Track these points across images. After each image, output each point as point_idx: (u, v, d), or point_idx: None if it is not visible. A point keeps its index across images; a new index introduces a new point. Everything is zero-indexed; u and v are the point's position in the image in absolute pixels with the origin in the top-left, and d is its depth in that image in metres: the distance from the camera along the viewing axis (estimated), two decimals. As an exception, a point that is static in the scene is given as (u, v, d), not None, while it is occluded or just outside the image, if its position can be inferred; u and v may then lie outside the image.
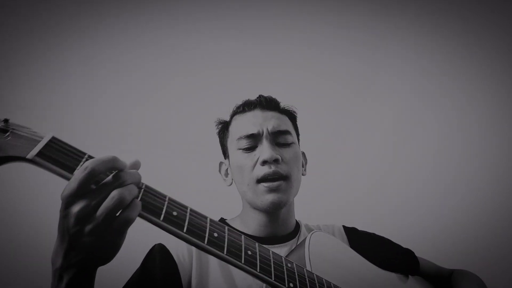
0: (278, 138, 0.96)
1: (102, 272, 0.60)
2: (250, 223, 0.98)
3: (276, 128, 0.96)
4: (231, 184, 1.02)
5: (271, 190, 0.90)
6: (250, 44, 2.21)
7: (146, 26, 2.07)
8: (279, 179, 0.91)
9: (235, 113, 1.05)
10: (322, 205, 2.66)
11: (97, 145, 2.73)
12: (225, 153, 1.06)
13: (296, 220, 1.06)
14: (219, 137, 1.10)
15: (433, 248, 1.14)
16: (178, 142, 2.57)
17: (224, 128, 1.07)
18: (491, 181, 1.67)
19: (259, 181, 0.91)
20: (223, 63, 2.25)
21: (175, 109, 2.41)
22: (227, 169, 1.04)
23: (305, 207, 1.12)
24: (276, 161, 0.91)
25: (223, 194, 1.05)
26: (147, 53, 2.19)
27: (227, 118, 1.08)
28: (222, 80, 2.19)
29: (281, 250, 0.94)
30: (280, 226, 0.97)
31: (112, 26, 2.05)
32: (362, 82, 2.48)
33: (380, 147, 2.48)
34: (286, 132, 0.98)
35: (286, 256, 0.84)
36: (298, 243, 0.93)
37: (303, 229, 1.04)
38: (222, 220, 1.05)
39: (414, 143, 2.19)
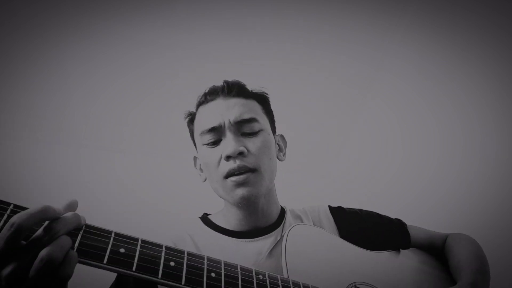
0: (243, 128, 0.88)
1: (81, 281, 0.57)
2: (231, 218, 0.93)
3: (239, 117, 0.88)
4: (205, 180, 0.96)
5: (239, 184, 0.84)
6: (251, 43, 2.21)
7: (145, 26, 2.07)
8: (246, 171, 0.84)
9: (198, 104, 0.98)
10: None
11: (96, 144, 2.73)
12: (196, 148, 1.00)
13: (281, 206, 1.00)
14: (188, 130, 1.03)
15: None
16: (179, 141, 2.56)
17: (190, 121, 1.01)
18: (495, 179, 1.67)
19: (226, 176, 0.85)
20: (224, 62, 2.25)
21: (175, 108, 2.41)
22: (200, 164, 0.97)
23: (306, 205, 1.10)
24: (241, 154, 0.84)
25: (209, 188, 0.99)
26: (146, 52, 2.19)
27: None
28: (223, 79, 2.19)
29: (266, 242, 0.89)
30: (261, 217, 0.92)
31: (111, 25, 2.04)
32: (363, 81, 2.48)
33: (381, 146, 2.48)
34: (252, 120, 0.89)
35: (270, 251, 0.82)
36: (282, 234, 0.88)
37: (288, 216, 0.98)
38: (205, 215, 1.01)
39: (417, 142, 2.19)
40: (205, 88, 1.02)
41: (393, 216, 1.10)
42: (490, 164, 1.71)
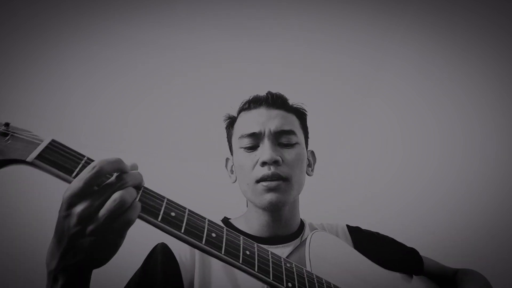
0: (280, 138, 0.94)
1: (103, 272, 0.60)
2: (253, 223, 0.97)
3: (279, 128, 0.93)
4: (235, 181, 1.01)
5: (270, 190, 0.89)
6: (251, 43, 2.21)
7: (145, 25, 2.06)
8: (278, 179, 0.89)
9: (241, 109, 1.03)
10: (326, 205, 2.66)
11: (96, 144, 2.73)
12: (231, 150, 1.05)
13: (300, 219, 1.04)
14: (226, 132, 1.08)
15: (438, 248, 1.14)
16: (179, 141, 2.57)
17: (230, 124, 1.06)
18: (496, 180, 1.67)
19: (258, 181, 0.90)
20: (224, 62, 2.25)
21: (177, 108, 2.41)
22: (232, 166, 1.03)
23: (309, 206, 1.11)
24: (276, 162, 0.89)
25: (227, 193, 1.03)
26: (146, 53, 2.19)
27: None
28: (223, 79, 2.19)
29: (284, 250, 0.92)
30: (283, 226, 0.96)
31: (111, 25, 2.04)
32: (364, 81, 2.48)
33: (383, 147, 2.48)
34: (290, 132, 0.95)
35: (287, 255, 0.84)
36: (301, 241, 0.92)
37: (306, 229, 1.03)
38: (226, 219, 1.04)
39: (417, 142, 2.19)
40: (212, 90, 1.06)
41: (393, 216, 1.11)
42: (490, 164, 1.71)
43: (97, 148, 2.55)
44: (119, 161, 0.54)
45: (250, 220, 0.98)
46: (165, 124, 2.53)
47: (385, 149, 2.44)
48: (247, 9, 2.06)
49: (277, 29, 2.15)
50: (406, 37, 2.20)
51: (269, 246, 0.93)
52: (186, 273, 0.83)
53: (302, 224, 1.03)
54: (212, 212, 1.05)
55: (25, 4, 1.90)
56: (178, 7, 2.01)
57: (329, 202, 2.75)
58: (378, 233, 1.10)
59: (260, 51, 2.24)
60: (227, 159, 1.07)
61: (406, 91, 2.27)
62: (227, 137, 1.07)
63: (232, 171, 1.03)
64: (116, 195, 0.51)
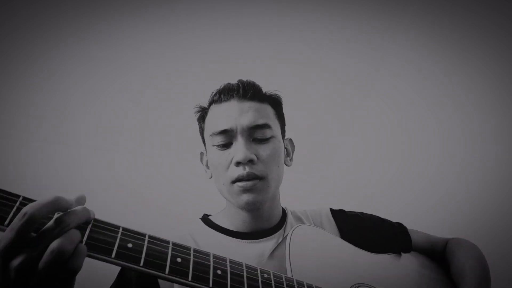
0: (254, 134, 0.88)
1: (85, 279, 0.57)
2: (233, 219, 0.93)
3: (252, 123, 0.87)
4: (211, 177, 0.96)
5: (246, 190, 0.85)
6: (251, 43, 2.21)
7: (145, 26, 2.06)
8: (254, 178, 0.85)
9: (211, 101, 0.97)
10: (325, 205, 2.65)
11: (97, 145, 2.73)
12: (204, 145, 0.99)
13: (282, 208, 1.01)
14: (198, 126, 1.01)
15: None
16: (179, 141, 2.57)
17: (201, 118, 0.99)
18: (496, 179, 1.67)
19: (234, 181, 0.86)
20: (223, 61, 2.25)
21: (175, 108, 2.41)
22: (207, 161, 0.97)
23: (308, 206, 1.10)
24: (251, 161, 0.85)
25: (209, 188, 0.98)
26: (146, 52, 2.19)
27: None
28: (224, 79, 2.19)
29: (267, 243, 0.90)
30: (265, 221, 0.93)
31: (110, 26, 2.04)
32: (363, 80, 2.48)
33: (383, 146, 2.48)
34: (264, 126, 0.89)
35: (272, 252, 0.82)
36: (284, 235, 0.89)
37: (289, 218, 0.99)
38: (206, 216, 1.01)
39: (417, 142, 2.19)
40: (211, 90, 1.01)
41: (393, 216, 1.10)
42: (490, 164, 1.71)
43: (97, 148, 2.55)
44: (55, 201, 0.47)
45: (230, 216, 0.94)
46: (164, 124, 2.53)
47: (385, 148, 2.44)
48: (247, 8, 2.06)
49: (277, 28, 2.15)
50: (406, 37, 2.20)
51: (252, 241, 0.90)
52: (165, 285, 0.79)
53: (284, 213, 0.99)
54: (213, 211, 1.05)
55: (25, 4, 1.90)
56: (178, 7, 2.01)
57: (328, 202, 2.75)
58: (362, 213, 1.06)
59: (259, 51, 2.24)
60: (201, 154, 1.01)
61: (406, 90, 2.27)
62: (199, 131, 1.01)
63: (207, 166, 0.97)
64: (53, 245, 0.45)
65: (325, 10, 2.08)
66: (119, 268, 0.81)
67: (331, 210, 1.06)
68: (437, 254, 1.02)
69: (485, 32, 1.75)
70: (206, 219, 0.99)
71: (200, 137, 1.02)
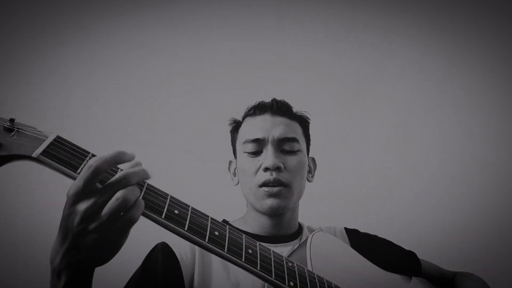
0: (283, 145, 0.96)
1: (104, 271, 0.60)
2: (253, 224, 0.99)
3: (283, 135, 0.97)
4: (237, 184, 1.03)
5: (271, 195, 0.91)
6: (251, 44, 2.21)
7: (147, 25, 2.06)
8: (280, 185, 0.92)
9: (246, 115, 1.06)
10: (325, 206, 2.65)
11: (97, 145, 2.72)
12: (234, 153, 1.08)
13: (298, 222, 1.07)
14: (231, 136, 1.10)
15: (436, 250, 1.14)
16: (180, 142, 2.57)
17: (235, 128, 1.08)
18: (495, 181, 1.67)
19: (260, 186, 0.93)
20: (224, 62, 2.25)
21: (177, 109, 2.41)
22: (235, 169, 1.05)
23: (308, 207, 1.11)
24: (278, 168, 0.92)
25: (226, 195, 1.05)
26: (147, 52, 2.19)
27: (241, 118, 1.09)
28: (224, 80, 2.19)
29: (283, 249, 0.94)
30: (283, 229, 0.98)
31: (113, 25, 2.05)
32: (363, 81, 2.48)
33: (381, 148, 2.48)
34: (293, 140, 0.98)
35: (287, 256, 0.84)
36: (300, 243, 0.93)
37: (305, 230, 1.05)
38: (225, 221, 1.05)
39: (416, 144, 2.19)
40: (214, 91, 1.08)
41: (393, 216, 1.12)
42: (489, 164, 1.72)
43: (99, 147, 2.55)
44: (118, 155, 0.54)
45: (249, 222, 1.00)
46: (166, 124, 2.53)
47: (385, 150, 2.44)
48: (247, 10, 2.06)
49: (277, 30, 2.15)
50: (406, 37, 2.20)
51: (269, 244, 0.93)
52: (187, 271, 0.84)
53: (300, 227, 1.06)
54: (212, 213, 1.06)
55: (25, 4, 1.90)
56: (179, 7, 2.01)
57: (328, 204, 2.75)
58: (376, 236, 1.12)
59: (260, 52, 2.24)
60: (230, 162, 1.09)
61: (406, 91, 2.28)
62: (231, 141, 1.10)
63: (234, 174, 1.05)
64: (118, 194, 0.51)
65: (325, 10, 2.08)
66: (124, 265, 0.83)
67: (346, 228, 1.11)
68: (445, 284, 1.06)
69: (485, 32, 1.75)
70: (226, 223, 1.02)
71: (230, 146, 1.11)
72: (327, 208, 2.60)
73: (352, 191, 2.72)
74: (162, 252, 0.86)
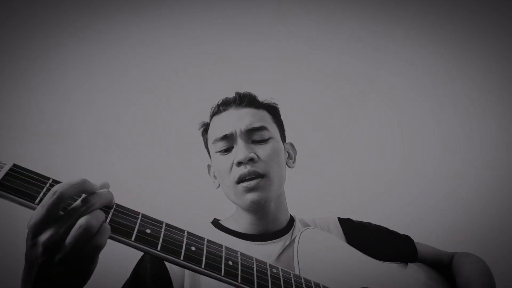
0: (253, 136, 0.93)
1: (93, 283, 0.58)
2: (242, 222, 0.97)
3: (249, 125, 0.93)
4: (219, 187, 1.01)
5: (250, 190, 0.88)
6: (250, 43, 2.21)
7: (143, 26, 2.06)
8: (257, 177, 0.89)
9: (212, 114, 1.04)
10: (325, 205, 2.66)
11: (96, 145, 2.73)
12: (210, 156, 1.05)
13: (290, 215, 1.04)
14: (203, 139, 1.08)
15: (437, 246, 1.13)
16: (179, 141, 2.57)
17: (204, 131, 1.06)
18: (496, 180, 1.67)
19: (238, 182, 0.90)
20: (222, 61, 2.25)
21: (177, 109, 2.41)
22: (214, 172, 1.03)
23: (308, 206, 1.11)
24: (251, 160, 0.89)
25: (220, 194, 1.03)
26: (147, 52, 2.19)
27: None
28: (221, 80, 2.19)
29: (275, 246, 0.92)
30: (271, 222, 0.96)
31: (111, 26, 2.04)
32: (363, 80, 2.48)
33: (382, 146, 2.48)
34: (262, 128, 0.94)
35: (279, 255, 0.84)
36: (292, 238, 0.92)
37: (297, 224, 1.02)
38: (216, 221, 1.04)
39: (417, 142, 2.19)
40: (211, 92, 1.07)
41: (393, 216, 1.11)
42: (490, 163, 1.72)
43: (97, 147, 2.55)
44: (83, 183, 0.51)
45: (239, 220, 0.98)
46: (163, 124, 2.53)
47: (385, 148, 2.44)
48: (246, 9, 2.06)
49: (276, 28, 2.15)
50: (405, 36, 2.20)
51: (260, 242, 0.93)
52: (176, 279, 0.82)
53: (292, 220, 1.03)
54: (206, 213, 1.06)
55: (25, 4, 1.89)
56: (178, 7, 2.01)
57: (328, 202, 2.75)
58: (370, 223, 1.09)
59: (258, 51, 2.24)
60: (208, 166, 1.07)
61: (405, 90, 2.28)
62: (204, 144, 1.07)
63: (215, 177, 1.03)
64: (81, 221, 0.49)
65: (325, 10, 2.08)
66: (123, 270, 0.83)
67: (339, 218, 1.08)
68: (443, 266, 1.04)
69: (485, 32, 1.75)
70: (216, 223, 1.03)
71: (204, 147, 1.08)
72: (327, 206, 2.61)
73: (351, 189, 2.72)
74: (150, 261, 0.84)
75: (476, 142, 1.80)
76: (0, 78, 2.15)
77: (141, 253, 0.86)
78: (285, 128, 1.09)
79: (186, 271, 0.83)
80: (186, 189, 2.46)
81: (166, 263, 0.83)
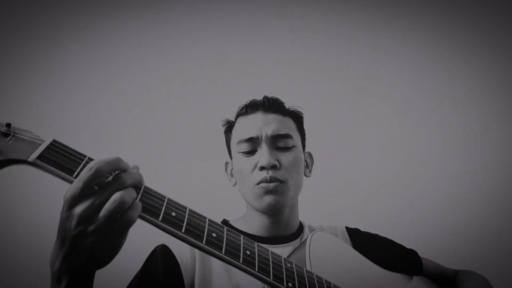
0: (278, 142, 0.96)
1: (104, 274, 0.60)
2: (253, 224, 0.98)
3: (275, 132, 0.95)
4: (235, 185, 1.03)
5: (268, 192, 0.91)
6: (251, 43, 2.20)
7: (145, 26, 2.06)
8: (276, 181, 0.91)
9: (238, 114, 1.05)
10: (325, 206, 2.65)
11: (96, 146, 2.73)
12: (230, 154, 1.07)
13: (299, 221, 1.06)
14: (225, 137, 1.10)
15: (438, 249, 1.13)
16: (179, 141, 2.56)
17: (228, 129, 1.07)
18: (496, 180, 1.67)
19: (257, 184, 0.92)
20: (224, 62, 2.25)
21: (176, 109, 2.41)
22: (232, 170, 1.05)
23: (308, 207, 1.11)
24: (274, 167, 0.91)
25: (226, 195, 1.04)
26: (147, 52, 2.18)
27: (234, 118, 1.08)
28: (223, 79, 2.19)
29: (284, 250, 0.93)
30: (282, 228, 0.97)
31: (111, 26, 2.04)
32: (363, 80, 2.48)
33: (383, 147, 2.48)
34: (287, 136, 0.97)
35: (287, 256, 0.85)
36: (301, 242, 0.93)
37: (306, 230, 1.04)
38: (225, 221, 1.05)
39: (417, 143, 2.19)
40: (213, 91, 1.07)
41: (393, 216, 1.12)
42: (490, 164, 1.71)
43: (98, 148, 2.55)
44: (117, 161, 0.54)
45: (250, 222, 0.99)
46: (165, 124, 2.53)
47: (385, 149, 2.44)
48: (246, 9, 2.06)
49: (277, 29, 2.15)
50: (406, 37, 2.19)
51: (269, 245, 0.92)
52: (187, 274, 0.83)
53: (301, 226, 1.05)
54: (212, 214, 1.06)
55: (25, 4, 1.89)
56: (178, 7, 2.01)
57: (328, 203, 2.75)
58: (377, 235, 1.11)
59: (259, 51, 2.24)
60: (226, 163, 1.08)
61: (406, 91, 2.27)
62: (225, 142, 1.09)
63: (232, 175, 1.05)
64: (116, 196, 0.51)
65: (325, 10, 2.08)
66: (124, 269, 0.83)
67: (347, 228, 1.10)
68: (447, 282, 1.05)
69: (485, 32, 1.75)
70: (226, 223, 1.04)
71: (225, 147, 1.10)
72: (328, 206, 2.60)
73: (352, 190, 2.72)
74: (162, 255, 0.85)
75: (476, 142, 1.80)
76: (0, 78, 2.15)
77: (152, 247, 0.88)
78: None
79: (197, 265, 0.85)
80: (191, 190, 2.46)
81: (177, 256, 0.85)
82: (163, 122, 2.52)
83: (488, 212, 1.66)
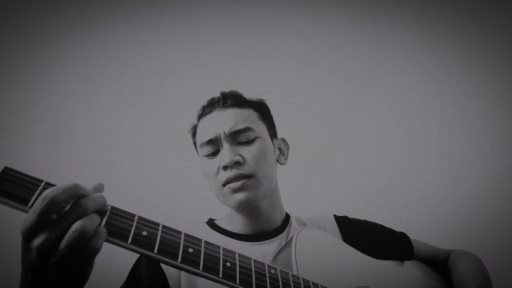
0: (238, 137, 0.91)
1: (89, 286, 0.58)
2: (236, 223, 0.96)
3: (232, 128, 0.91)
4: (211, 189, 0.99)
5: (236, 190, 0.87)
6: (250, 43, 2.21)
7: (143, 25, 2.07)
8: (243, 178, 0.87)
9: (198, 117, 1.01)
10: (325, 205, 2.66)
11: (95, 144, 2.72)
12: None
13: (286, 213, 1.03)
14: (193, 143, 1.06)
15: (437, 245, 1.13)
16: (178, 141, 2.56)
17: (193, 134, 1.04)
18: (496, 179, 1.67)
19: (224, 184, 0.89)
20: (222, 61, 2.25)
21: (174, 108, 2.41)
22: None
23: (308, 206, 1.10)
24: (237, 163, 0.88)
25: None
26: (146, 52, 2.19)
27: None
28: (222, 79, 2.19)
29: (271, 245, 0.91)
30: (265, 221, 0.94)
31: (110, 26, 2.05)
32: (363, 80, 2.48)
33: (382, 146, 2.48)
34: (246, 129, 0.92)
35: (275, 255, 0.84)
36: (288, 238, 0.91)
37: (293, 222, 1.01)
38: (211, 220, 1.03)
39: (417, 142, 2.19)
40: (211, 91, 1.05)
41: (393, 215, 1.11)
42: (490, 164, 1.72)
43: (97, 148, 2.55)
44: (75, 187, 0.50)
45: (233, 221, 0.97)
46: (163, 124, 2.53)
47: (385, 148, 2.44)
48: (246, 9, 2.06)
49: (276, 28, 2.15)
50: (405, 36, 2.20)
51: (255, 243, 0.92)
52: (173, 282, 0.81)
53: (287, 218, 1.01)
54: (201, 212, 1.05)
55: (25, 4, 1.90)
56: (178, 7, 2.01)
57: (328, 202, 2.75)
58: (366, 221, 1.08)
59: (259, 51, 2.24)
60: None
61: (405, 90, 2.28)
62: (194, 147, 1.05)
63: None
64: (76, 226, 0.47)
65: (325, 10, 2.08)
66: (124, 270, 0.84)
67: (335, 216, 1.07)
68: (439, 264, 1.03)
69: (485, 32, 1.75)
70: (211, 223, 1.01)
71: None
72: (328, 206, 2.61)
73: (351, 190, 2.72)
74: (146, 264, 0.83)
75: (476, 142, 1.80)
76: (0, 78, 2.16)
77: (138, 255, 0.86)
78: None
79: (183, 272, 0.82)
80: (183, 189, 2.46)
81: (162, 265, 0.82)
82: (162, 122, 2.52)
83: (488, 212, 1.66)
